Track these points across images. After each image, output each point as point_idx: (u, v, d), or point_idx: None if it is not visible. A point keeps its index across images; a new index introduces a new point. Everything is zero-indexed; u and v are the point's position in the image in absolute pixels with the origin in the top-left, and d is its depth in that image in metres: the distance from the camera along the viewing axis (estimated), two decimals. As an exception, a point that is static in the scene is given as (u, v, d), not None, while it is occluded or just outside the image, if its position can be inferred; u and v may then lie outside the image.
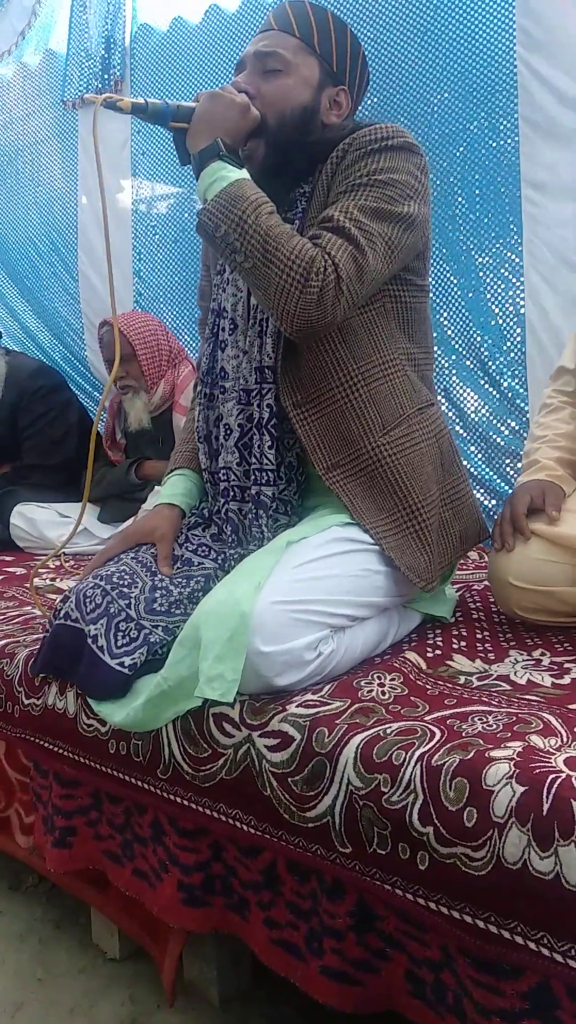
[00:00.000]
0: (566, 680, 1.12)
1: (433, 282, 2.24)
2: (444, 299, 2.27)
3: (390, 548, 1.25)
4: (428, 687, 1.12)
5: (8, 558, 2.44)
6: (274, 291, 1.17)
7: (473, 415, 2.28)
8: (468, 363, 2.26)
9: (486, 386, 2.25)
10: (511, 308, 2.16)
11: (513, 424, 2.22)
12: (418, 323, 1.38)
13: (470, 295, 2.22)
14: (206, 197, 1.22)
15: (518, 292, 2.13)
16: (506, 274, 2.15)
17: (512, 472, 2.23)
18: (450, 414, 2.29)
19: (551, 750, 0.87)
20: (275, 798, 1.00)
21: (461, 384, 2.29)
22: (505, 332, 2.19)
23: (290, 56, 1.32)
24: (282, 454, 1.32)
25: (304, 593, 1.13)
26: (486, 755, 0.86)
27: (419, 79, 2.19)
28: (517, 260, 2.11)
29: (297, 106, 1.32)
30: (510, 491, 2.16)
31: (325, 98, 1.35)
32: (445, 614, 1.44)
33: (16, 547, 2.56)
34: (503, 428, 2.24)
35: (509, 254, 2.13)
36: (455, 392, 2.30)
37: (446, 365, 2.29)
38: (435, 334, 2.26)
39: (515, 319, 2.15)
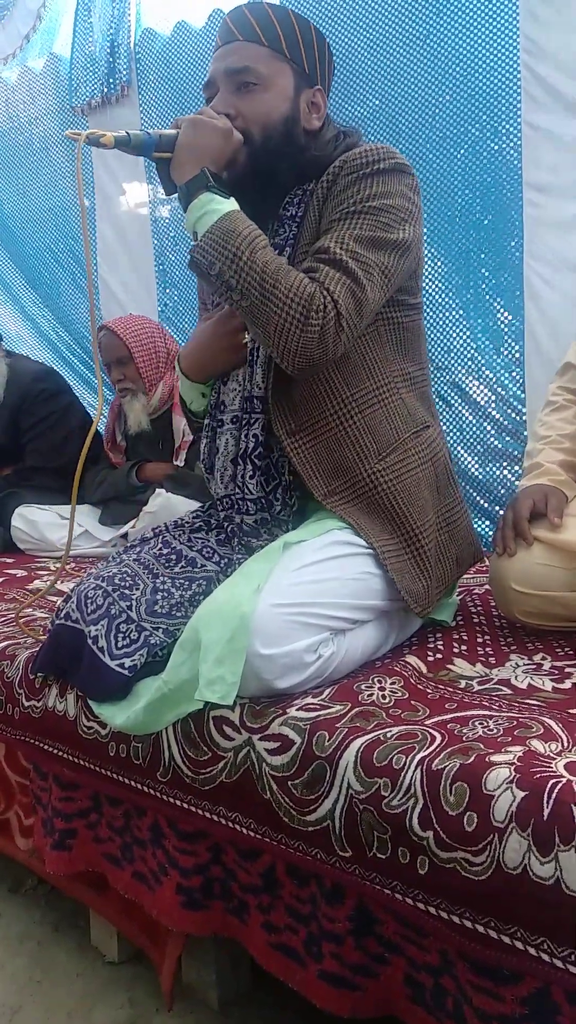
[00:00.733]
0: (567, 684, 1.12)
1: (432, 283, 2.24)
2: (443, 300, 2.27)
3: (393, 570, 1.25)
4: (429, 691, 1.12)
5: (9, 560, 2.44)
6: (273, 330, 1.16)
7: (471, 417, 2.28)
8: (466, 365, 2.26)
9: (483, 388, 2.25)
10: (510, 309, 2.17)
11: (510, 426, 2.22)
12: (412, 341, 1.37)
13: (469, 295, 2.23)
14: (196, 231, 1.20)
15: (517, 293, 2.13)
16: (506, 276, 2.16)
17: (510, 476, 2.23)
18: (448, 417, 2.30)
19: (552, 755, 0.87)
20: (275, 801, 1.00)
21: (458, 386, 2.29)
22: (504, 334, 2.19)
23: (263, 68, 1.27)
24: (268, 483, 1.31)
25: (304, 596, 1.13)
26: (487, 759, 0.86)
27: (421, 81, 2.19)
28: (517, 261, 2.11)
29: (278, 119, 1.29)
30: (508, 495, 2.17)
31: (303, 103, 1.32)
32: (446, 618, 1.44)
33: (17, 549, 2.56)
34: (500, 431, 2.24)
35: (509, 255, 2.14)
36: (452, 394, 2.30)
37: (444, 367, 2.29)
38: (435, 336, 2.26)
39: (514, 321, 2.15)
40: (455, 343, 2.27)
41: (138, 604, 1.24)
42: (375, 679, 1.16)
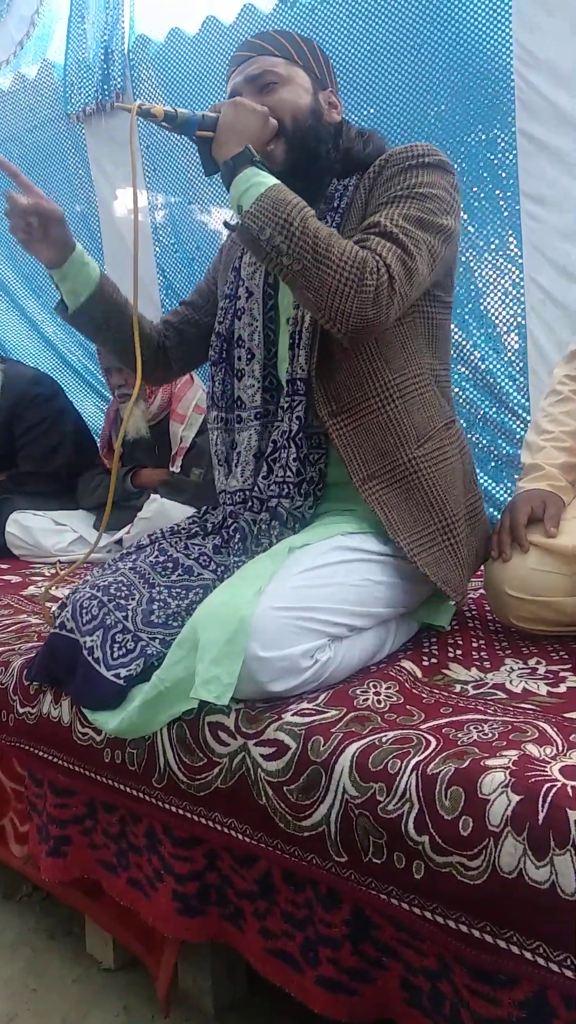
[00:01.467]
0: (562, 689, 1.13)
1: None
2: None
3: (425, 563, 1.25)
4: (424, 696, 1.12)
5: (4, 566, 2.43)
6: (327, 292, 1.17)
7: (479, 423, 2.30)
8: (469, 373, 2.28)
9: (488, 396, 2.26)
10: (512, 319, 2.18)
11: (513, 435, 2.23)
12: (442, 340, 1.40)
13: (469, 306, 2.24)
14: (241, 204, 1.23)
15: (519, 303, 2.14)
16: (506, 285, 2.17)
17: (515, 482, 2.24)
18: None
19: (547, 759, 0.87)
20: (270, 807, 1.00)
21: (463, 394, 2.30)
22: (506, 343, 2.20)
23: (281, 70, 1.36)
24: (305, 469, 1.33)
25: (305, 600, 1.13)
26: (482, 764, 0.86)
27: (417, 92, 2.21)
28: (517, 272, 2.12)
29: (306, 108, 1.35)
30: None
31: (322, 100, 1.39)
32: (443, 623, 1.44)
33: (12, 555, 2.56)
34: (506, 438, 2.24)
35: (509, 266, 2.15)
36: (458, 402, 2.31)
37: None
38: None
39: (516, 330, 2.17)
40: (457, 353, 2.29)
41: (134, 614, 1.24)
42: (370, 684, 1.16)
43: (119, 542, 2.40)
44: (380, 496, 1.29)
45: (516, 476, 2.21)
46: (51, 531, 2.51)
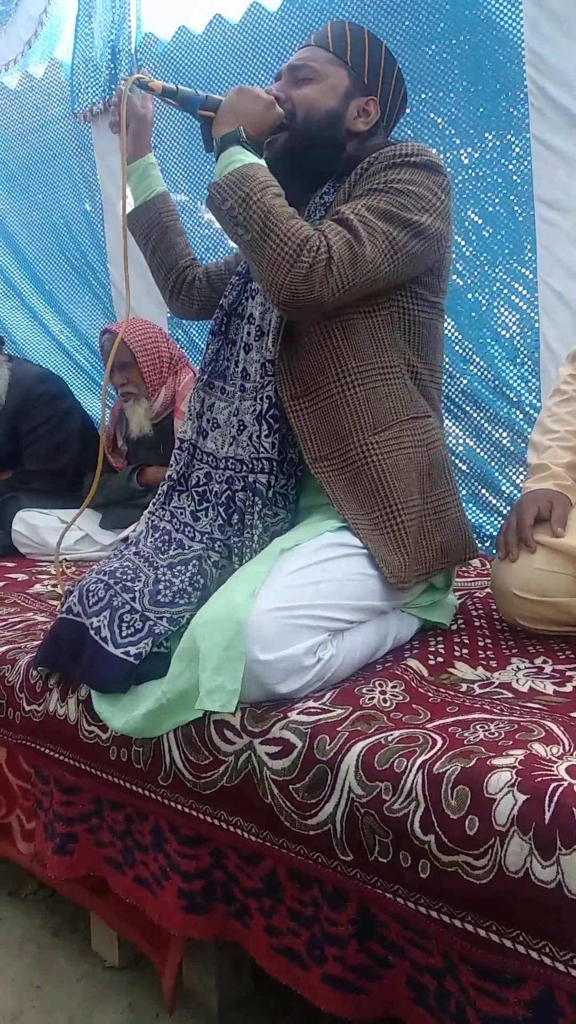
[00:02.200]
0: (568, 688, 1.12)
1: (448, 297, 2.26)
2: (458, 313, 2.28)
3: (366, 537, 1.27)
4: (430, 694, 1.12)
5: (10, 564, 2.44)
6: (267, 263, 1.21)
7: (489, 427, 2.29)
8: (483, 376, 2.27)
9: (501, 398, 2.26)
10: (526, 322, 2.18)
11: (525, 436, 2.23)
12: (426, 339, 1.39)
13: (483, 309, 2.24)
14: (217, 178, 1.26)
15: (532, 307, 2.14)
16: (519, 288, 2.17)
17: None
18: (465, 425, 2.31)
19: (553, 758, 0.87)
20: (276, 805, 1.00)
21: (474, 396, 2.30)
22: (520, 346, 2.20)
23: (319, 67, 1.39)
24: (285, 450, 1.35)
25: (299, 599, 1.14)
26: (488, 763, 0.86)
27: (428, 95, 2.20)
28: (531, 276, 2.12)
29: (323, 109, 1.38)
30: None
31: (353, 106, 1.40)
32: (444, 620, 1.44)
33: (18, 553, 2.56)
34: (520, 440, 2.24)
35: (523, 270, 2.15)
36: (467, 403, 2.31)
37: (462, 379, 2.30)
38: (455, 348, 2.26)
39: (530, 333, 2.17)
40: (471, 356, 2.28)
41: (141, 595, 1.26)
42: (376, 683, 1.16)
43: (125, 540, 2.40)
44: (328, 476, 1.31)
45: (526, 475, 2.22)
46: (57, 529, 2.51)
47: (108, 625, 1.23)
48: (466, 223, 2.21)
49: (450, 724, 0.99)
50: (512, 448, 2.27)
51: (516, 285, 2.18)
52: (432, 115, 2.21)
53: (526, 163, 2.07)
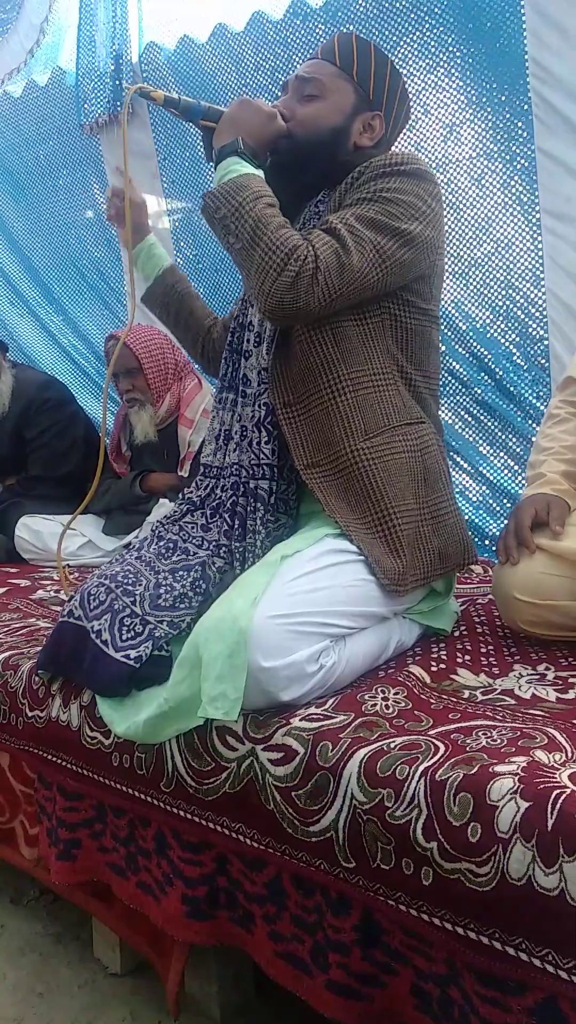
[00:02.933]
0: (571, 695, 1.12)
1: (451, 306, 2.26)
2: (466, 323, 2.29)
3: (360, 540, 1.27)
4: (432, 701, 1.12)
5: (13, 570, 2.44)
6: (255, 271, 1.23)
7: (500, 434, 2.31)
8: (495, 384, 2.28)
9: (515, 406, 2.27)
10: (535, 333, 2.18)
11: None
12: (419, 346, 1.40)
13: (492, 320, 2.24)
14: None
15: (541, 319, 2.14)
16: (529, 300, 2.17)
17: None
18: (477, 432, 2.33)
19: (556, 765, 0.87)
20: (278, 812, 1.00)
21: (487, 404, 2.30)
22: (529, 356, 2.21)
23: (326, 82, 1.39)
24: (285, 456, 1.36)
25: (300, 606, 1.14)
26: (490, 770, 0.86)
27: (431, 105, 2.20)
28: (539, 287, 2.12)
29: (327, 127, 1.39)
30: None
31: (359, 122, 1.41)
32: (446, 627, 1.44)
33: (21, 559, 2.57)
34: (529, 446, 2.25)
35: (530, 282, 2.15)
36: (481, 412, 2.32)
37: (471, 386, 2.31)
38: (463, 356, 2.26)
39: (539, 343, 2.17)
40: (480, 366, 2.29)
41: (142, 599, 1.26)
42: (378, 689, 1.16)
43: (128, 546, 2.40)
44: (320, 482, 1.32)
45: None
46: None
47: (109, 628, 1.24)
48: (470, 234, 2.22)
49: (452, 731, 0.99)
50: (524, 455, 2.28)
51: (522, 299, 2.18)
52: (435, 125, 2.22)
53: (531, 175, 2.07)
